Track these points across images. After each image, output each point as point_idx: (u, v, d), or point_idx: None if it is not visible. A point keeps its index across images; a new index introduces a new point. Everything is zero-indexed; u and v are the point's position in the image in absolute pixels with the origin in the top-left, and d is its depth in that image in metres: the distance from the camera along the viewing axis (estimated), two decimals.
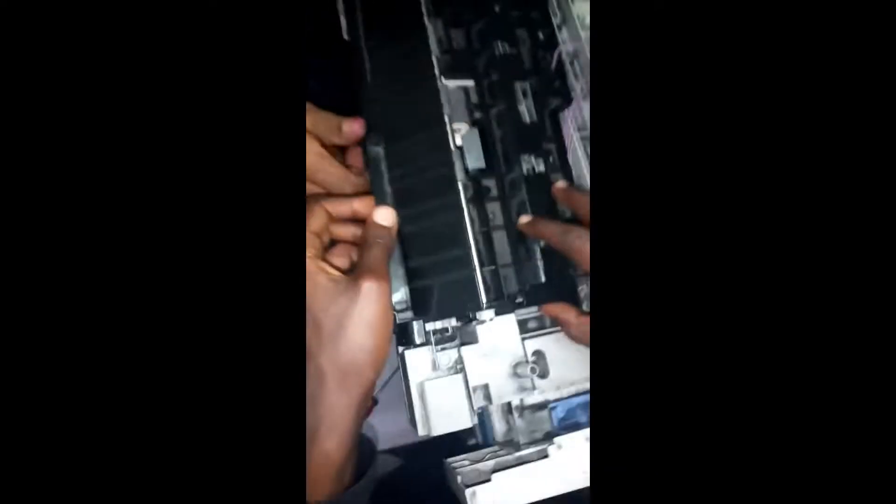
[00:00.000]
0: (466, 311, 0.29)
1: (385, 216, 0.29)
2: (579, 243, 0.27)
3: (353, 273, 0.26)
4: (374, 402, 0.50)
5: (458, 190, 0.29)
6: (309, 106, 0.30)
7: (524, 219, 0.30)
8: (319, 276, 0.26)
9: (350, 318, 0.25)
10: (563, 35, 0.37)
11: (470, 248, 0.28)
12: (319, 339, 0.25)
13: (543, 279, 0.30)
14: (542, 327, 0.32)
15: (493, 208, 0.32)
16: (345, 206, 0.29)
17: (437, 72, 0.31)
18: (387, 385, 0.51)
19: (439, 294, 0.28)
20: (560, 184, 0.31)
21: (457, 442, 0.38)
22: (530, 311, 0.32)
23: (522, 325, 0.31)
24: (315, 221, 0.28)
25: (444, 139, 0.29)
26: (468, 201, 0.30)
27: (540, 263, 0.30)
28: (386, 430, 0.46)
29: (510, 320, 0.30)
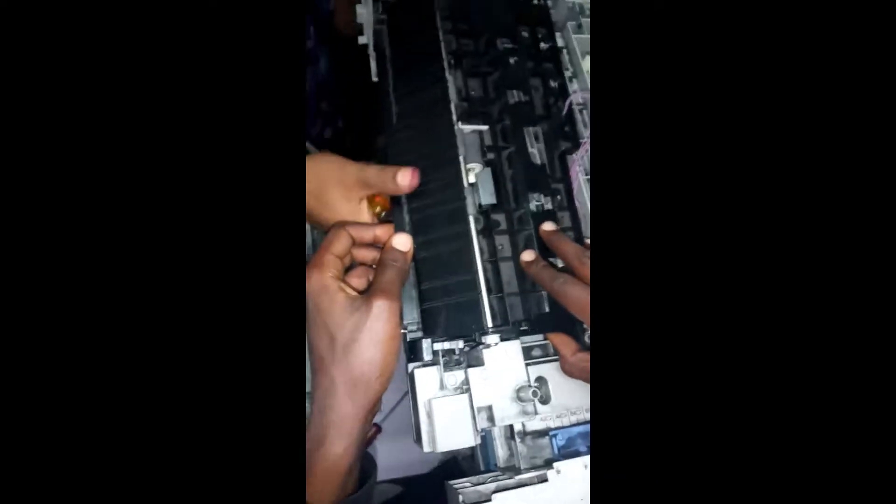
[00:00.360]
0: (471, 332, 0.31)
1: (402, 242, 0.31)
2: (566, 289, 0.29)
3: (368, 293, 0.29)
4: (378, 429, 0.50)
5: (469, 221, 0.32)
6: (354, 163, 0.34)
7: (526, 256, 0.32)
8: (338, 295, 0.28)
9: (361, 333, 0.27)
10: (573, 87, 0.40)
11: (477, 273, 0.31)
12: (333, 352, 0.27)
13: (547, 309, 0.32)
14: (546, 355, 0.34)
15: (502, 241, 0.34)
16: (367, 232, 0.32)
17: (454, 118, 0.34)
18: (392, 412, 0.52)
19: (447, 315, 0.30)
20: (546, 226, 0.33)
21: (459, 472, 0.39)
22: (535, 339, 0.34)
23: (527, 352, 0.33)
24: (338, 245, 0.30)
25: (458, 177, 0.33)
26: (478, 233, 0.32)
27: (544, 294, 0.32)
28: (389, 459, 0.47)
29: (515, 346, 0.32)
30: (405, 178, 0.32)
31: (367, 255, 0.32)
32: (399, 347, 0.29)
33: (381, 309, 0.27)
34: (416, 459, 0.50)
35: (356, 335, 0.27)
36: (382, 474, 0.47)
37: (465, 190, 0.33)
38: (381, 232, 0.32)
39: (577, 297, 0.28)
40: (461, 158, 0.33)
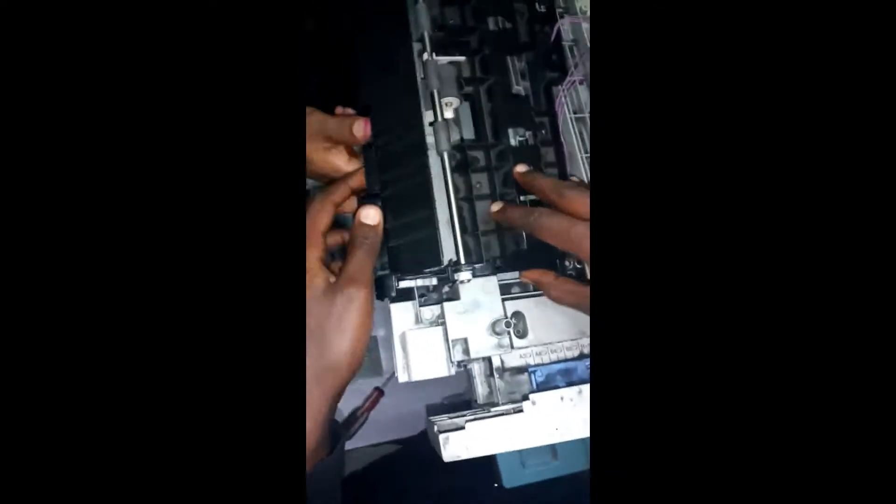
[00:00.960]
0: (427, 268, 0.31)
1: (370, 215, 0.30)
2: (542, 221, 0.27)
3: (337, 278, 0.28)
4: (380, 393, 0.52)
5: (426, 156, 0.31)
6: (317, 113, 0.34)
7: (493, 207, 0.31)
8: (315, 280, 0.28)
9: (329, 322, 0.27)
10: (563, 19, 0.38)
11: (434, 209, 0.30)
12: (308, 337, 0.28)
13: (525, 246, 0.31)
14: (525, 291, 0.33)
15: (480, 178, 0.33)
16: (343, 188, 0.32)
17: (415, 50, 0.33)
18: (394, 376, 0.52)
19: (407, 252, 0.30)
20: (519, 168, 0.31)
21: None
22: (515, 276, 0.33)
23: (507, 289, 0.33)
24: (323, 220, 0.30)
25: (417, 112, 0.32)
26: (454, 170, 0.31)
27: (523, 231, 0.31)
28: (391, 421, 0.48)
29: (492, 281, 0.31)
30: (359, 129, 0.32)
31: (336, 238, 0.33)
32: (369, 332, 0.29)
33: (349, 298, 0.27)
34: (419, 420, 0.52)
35: (324, 324, 0.27)
36: (384, 435, 0.48)
37: (423, 125, 0.32)
38: (355, 182, 0.32)
39: (557, 227, 0.27)
40: (435, 92, 0.32)
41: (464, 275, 0.30)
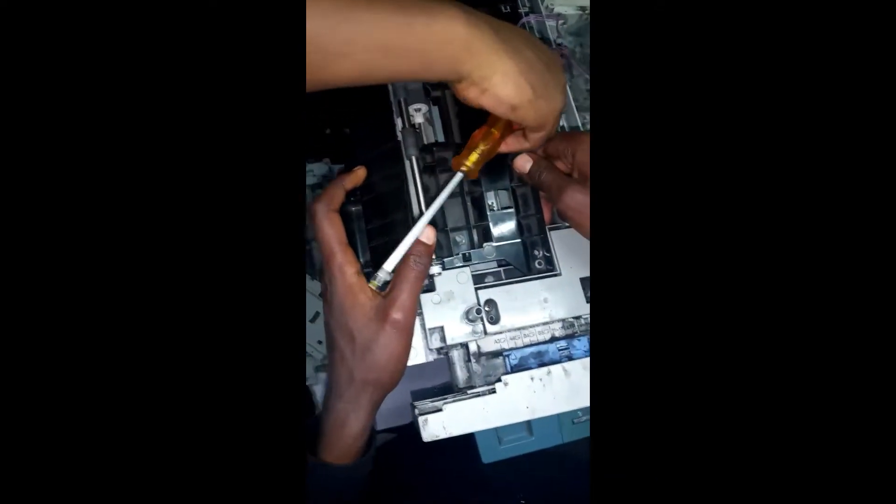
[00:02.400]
0: None
1: (428, 235, 0.31)
2: (566, 201, 0.31)
3: (386, 298, 0.30)
4: None
5: (402, 162, 0.34)
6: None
7: (519, 162, 0.34)
8: (360, 297, 0.30)
9: (378, 345, 0.30)
10: (528, 17, 0.40)
11: (411, 211, 0.33)
12: (353, 351, 0.31)
13: (494, 240, 0.34)
14: (497, 280, 0.35)
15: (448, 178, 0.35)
16: (339, 191, 0.33)
17: None
18: None
19: (386, 251, 0.32)
20: (523, 160, 0.34)
21: None
22: (489, 267, 0.35)
23: (479, 278, 0.35)
24: (339, 230, 0.31)
25: (390, 121, 0.35)
26: (421, 172, 0.33)
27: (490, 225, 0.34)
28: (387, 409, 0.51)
29: (465, 273, 0.34)
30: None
31: None
32: (409, 349, 0.31)
33: (396, 327, 0.30)
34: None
35: (373, 345, 0.30)
36: (381, 424, 0.50)
37: (398, 134, 0.34)
38: (350, 182, 0.34)
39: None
40: (400, 101, 0.35)
41: (434, 268, 0.33)
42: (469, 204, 0.35)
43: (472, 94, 0.27)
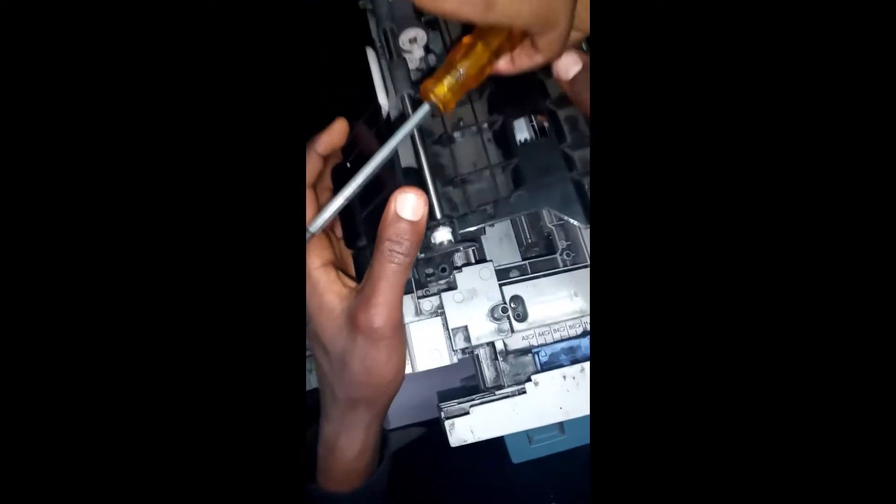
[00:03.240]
0: None
1: (409, 205, 0.22)
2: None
3: (356, 300, 0.23)
4: None
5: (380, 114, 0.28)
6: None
7: (564, 65, 0.25)
8: (326, 296, 0.23)
9: (352, 357, 0.23)
10: None
11: (399, 163, 0.27)
12: (329, 364, 0.24)
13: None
14: (522, 274, 0.33)
15: (461, 112, 0.29)
16: (313, 158, 0.27)
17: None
18: None
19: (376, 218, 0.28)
20: (568, 62, 0.25)
21: None
22: (513, 262, 0.34)
23: (503, 273, 0.33)
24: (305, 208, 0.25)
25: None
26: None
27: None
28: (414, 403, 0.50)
29: (488, 268, 0.32)
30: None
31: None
32: (404, 358, 0.25)
33: (371, 337, 0.22)
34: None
35: (347, 358, 0.23)
36: (410, 417, 0.49)
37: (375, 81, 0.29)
38: (323, 146, 0.26)
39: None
40: (386, 30, 0.28)
41: (440, 234, 0.25)
42: (487, 140, 0.27)
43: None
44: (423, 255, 0.27)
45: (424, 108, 0.23)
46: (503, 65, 0.24)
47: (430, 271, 0.31)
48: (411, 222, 0.22)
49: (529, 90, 0.28)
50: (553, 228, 0.34)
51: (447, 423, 0.30)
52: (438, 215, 0.25)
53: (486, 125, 0.27)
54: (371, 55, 0.28)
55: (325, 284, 0.24)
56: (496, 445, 0.42)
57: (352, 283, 0.25)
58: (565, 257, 0.34)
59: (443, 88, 0.22)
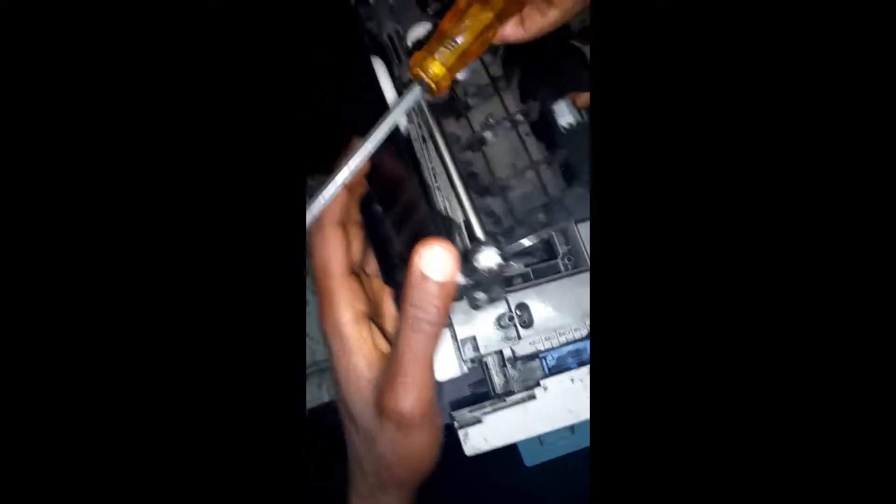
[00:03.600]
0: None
1: (433, 263, 0.18)
2: None
3: (382, 375, 0.20)
4: None
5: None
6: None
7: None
8: (354, 358, 0.21)
9: (380, 437, 0.21)
10: None
11: (425, 189, 0.24)
12: (357, 433, 0.22)
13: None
14: (526, 281, 0.34)
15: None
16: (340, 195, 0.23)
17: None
18: None
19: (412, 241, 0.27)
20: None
21: None
22: (516, 269, 0.34)
23: (508, 281, 0.33)
24: (337, 255, 0.21)
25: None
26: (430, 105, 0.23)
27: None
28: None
29: None
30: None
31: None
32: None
33: (399, 423, 0.20)
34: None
35: (376, 436, 0.21)
36: None
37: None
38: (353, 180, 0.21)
39: None
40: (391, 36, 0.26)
41: (485, 257, 0.20)
42: (525, 134, 0.22)
43: None
44: (467, 281, 0.24)
45: (414, 90, 0.18)
46: (511, 30, 0.20)
47: (480, 295, 0.29)
48: (439, 283, 0.19)
49: (566, 63, 0.23)
50: (552, 234, 0.35)
51: (461, 433, 0.30)
52: (480, 235, 0.21)
53: (520, 116, 0.22)
54: (378, 65, 0.23)
55: (356, 344, 0.21)
56: (508, 449, 0.43)
57: (384, 346, 0.23)
58: (567, 262, 0.34)
59: (434, 63, 0.18)
